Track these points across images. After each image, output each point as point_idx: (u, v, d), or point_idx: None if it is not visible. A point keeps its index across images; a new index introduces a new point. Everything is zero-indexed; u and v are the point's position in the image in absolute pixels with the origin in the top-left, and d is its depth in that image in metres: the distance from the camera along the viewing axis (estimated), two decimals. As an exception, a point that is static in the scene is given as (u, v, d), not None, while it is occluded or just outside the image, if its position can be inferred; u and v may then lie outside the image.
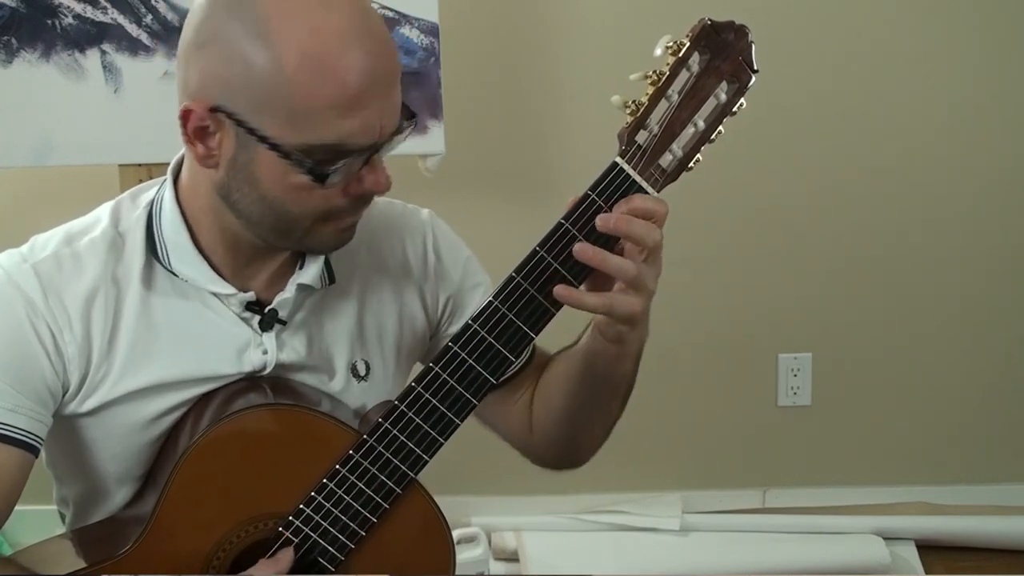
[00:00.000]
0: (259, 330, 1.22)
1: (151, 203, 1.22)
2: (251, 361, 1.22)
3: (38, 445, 1.16)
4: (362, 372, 1.28)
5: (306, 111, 1.05)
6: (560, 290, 1.11)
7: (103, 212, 1.23)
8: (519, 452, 1.39)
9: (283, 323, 1.23)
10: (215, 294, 1.20)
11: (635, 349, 1.20)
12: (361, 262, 1.29)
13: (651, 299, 1.14)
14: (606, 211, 1.11)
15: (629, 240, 1.11)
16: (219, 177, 1.13)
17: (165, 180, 1.22)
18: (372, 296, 1.29)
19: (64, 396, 1.18)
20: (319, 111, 1.05)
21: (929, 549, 2.62)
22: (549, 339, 1.23)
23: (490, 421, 1.37)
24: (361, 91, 1.05)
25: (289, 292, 1.22)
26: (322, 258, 1.23)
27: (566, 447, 1.34)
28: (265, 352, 1.22)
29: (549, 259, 1.12)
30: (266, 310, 1.21)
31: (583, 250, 1.10)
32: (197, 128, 1.09)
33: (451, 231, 1.36)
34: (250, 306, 1.21)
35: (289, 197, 1.11)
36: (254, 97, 1.06)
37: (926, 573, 2.55)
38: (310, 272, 1.23)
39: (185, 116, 1.09)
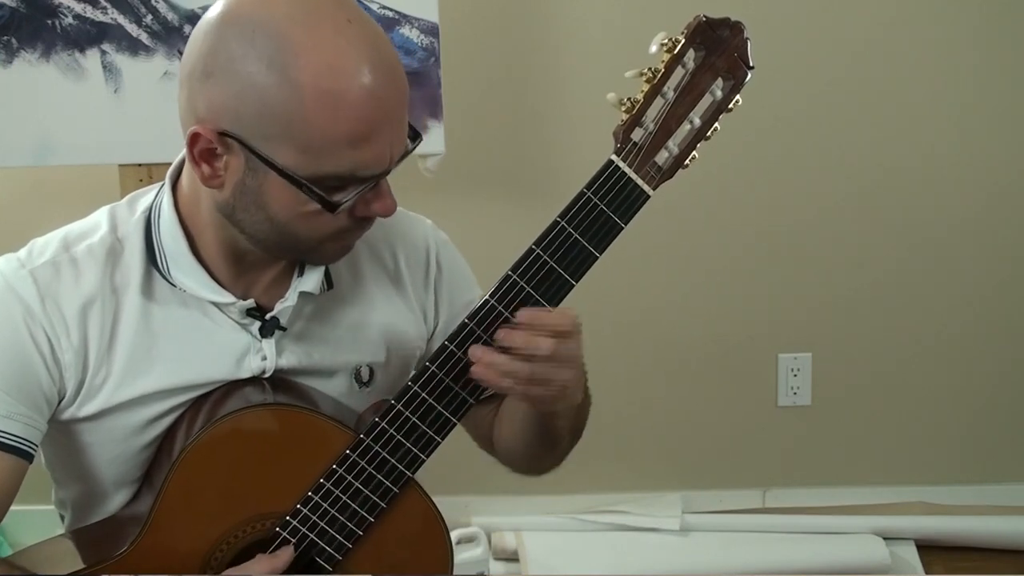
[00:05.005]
0: (259, 336, 1.22)
1: (149, 209, 1.21)
2: (250, 367, 1.22)
3: (32, 451, 1.16)
4: (365, 378, 1.28)
5: (321, 144, 1.05)
6: (477, 368, 1.13)
7: (101, 217, 1.23)
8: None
9: (283, 329, 1.23)
10: (214, 303, 1.20)
11: (565, 414, 1.22)
12: (361, 268, 1.29)
13: (564, 389, 1.15)
14: (509, 318, 1.13)
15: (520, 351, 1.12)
16: (223, 197, 1.13)
17: (163, 185, 1.22)
18: (372, 302, 1.29)
19: (60, 402, 1.18)
20: (335, 144, 1.06)
21: (929, 549, 2.61)
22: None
23: (464, 425, 1.38)
24: (375, 124, 1.06)
25: (291, 300, 1.22)
26: (323, 266, 1.24)
27: (524, 468, 1.38)
28: (264, 358, 1.22)
29: (545, 258, 1.13)
30: (267, 317, 1.21)
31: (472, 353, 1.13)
32: (204, 150, 1.09)
33: (451, 243, 1.37)
34: (250, 312, 1.21)
35: (297, 221, 1.12)
36: (268, 127, 1.06)
37: (926, 573, 2.55)
38: (311, 279, 1.23)
39: (193, 140, 1.09)
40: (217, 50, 1.06)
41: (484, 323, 1.14)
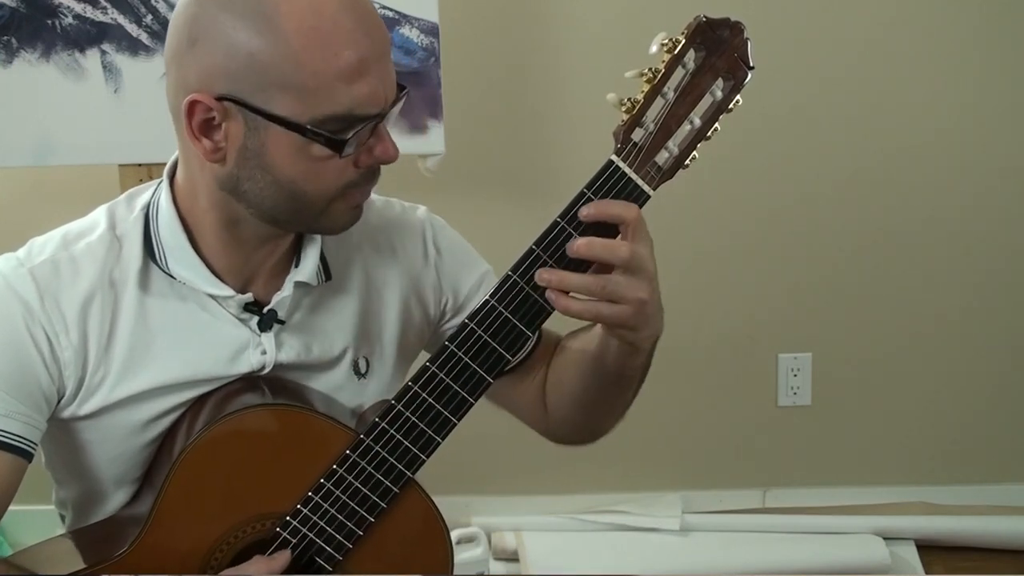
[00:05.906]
0: (257, 331, 1.22)
1: (147, 206, 1.22)
2: (249, 362, 1.22)
3: (31, 450, 1.16)
4: (363, 369, 1.28)
5: (316, 85, 1.06)
6: (549, 293, 1.12)
7: (100, 215, 1.23)
8: (533, 430, 1.39)
9: (281, 322, 1.23)
10: (213, 296, 1.20)
11: (646, 346, 1.20)
12: (359, 259, 1.29)
13: (643, 305, 1.13)
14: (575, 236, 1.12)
15: (596, 261, 1.11)
16: (226, 170, 1.13)
17: (160, 182, 1.22)
18: (371, 293, 1.29)
19: (60, 401, 1.18)
20: (329, 82, 1.06)
21: (929, 549, 2.62)
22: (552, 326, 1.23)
23: (503, 402, 1.37)
24: (364, 59, 1.07)
25: (287, 291, 1.22)
26: (318, 254, 1.24)
27: (582, 427, 1.35)
28: (264, 352, 1.22)
29: (545, 257, 1.12)
30: (264, 310, 1.22)
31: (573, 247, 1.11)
32: (203, 122, 1.10)
33: (447, 225, 1.37)
34: (248, 307, 1.21)
35: (304, 175, 1.11)
36: (262, 80, 1.06)
37: (926, 573, 2.55)
38: (306, 269, 1.23)
39: (191, 109, 1.09)
40: (198, 16, 1.08)
41: (484, 323, 1.14)
